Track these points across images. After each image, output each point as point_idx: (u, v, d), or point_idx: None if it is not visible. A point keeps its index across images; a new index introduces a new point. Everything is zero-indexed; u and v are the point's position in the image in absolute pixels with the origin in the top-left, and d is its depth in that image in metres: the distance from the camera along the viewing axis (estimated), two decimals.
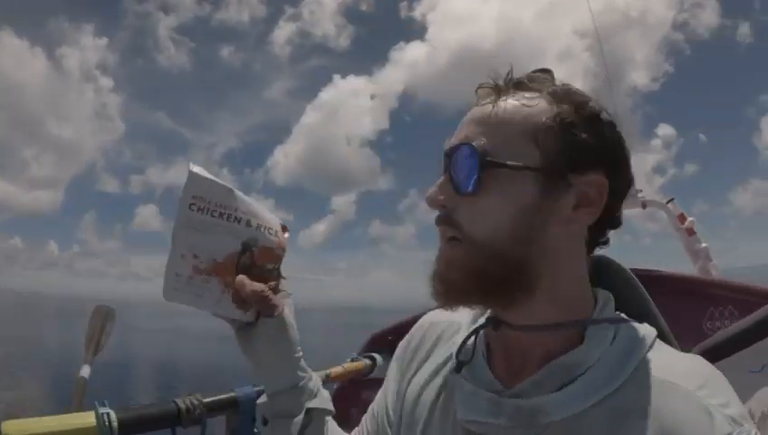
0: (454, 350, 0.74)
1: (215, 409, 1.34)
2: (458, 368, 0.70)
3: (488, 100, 0.66)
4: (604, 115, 0.65)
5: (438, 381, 0.75)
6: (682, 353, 0.66)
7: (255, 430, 1.41)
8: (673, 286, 3.15)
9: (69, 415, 1.14)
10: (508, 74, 0.68)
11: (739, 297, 2.97)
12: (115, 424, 1.06)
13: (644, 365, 0.61)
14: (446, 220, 0.65)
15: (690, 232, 3.81)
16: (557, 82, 0.67)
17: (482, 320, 0.73)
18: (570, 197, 0.63)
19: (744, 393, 1.05)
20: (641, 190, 3.81)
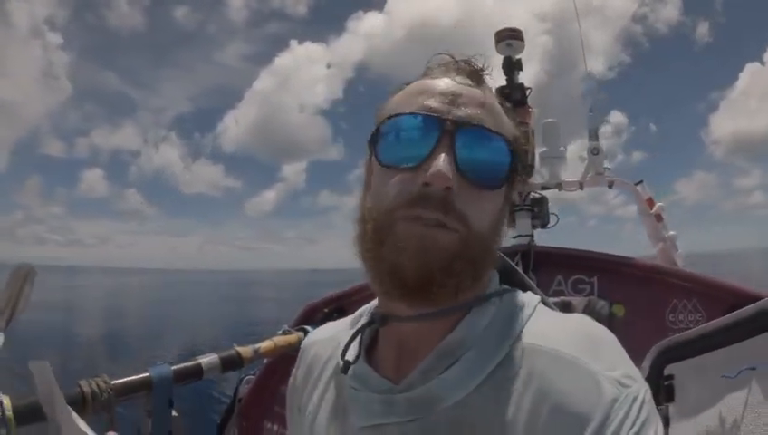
0: (339, 353, 0.71)
1: (126, 392, 1.25)
2: (344, 368, 0.67)
3: (469, 81, 0.65)
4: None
5: (330, 395, 0.73)
6: (564, 316, 0.66)
7: (174, 413, 1.38)
8: (638, 274, 2.94)
9: None
10: (484, 63, 0.67)
11: (704, 291, 2.80)
12: (9, 413, 0.97)
13: (527, 335, 0.60)
14: (448, 207, 0.58)
15: (658, 218, 3.56)
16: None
17: (363, 320, 0.73)
18: (511, 197, 0.67)
19: (716, 397, 1.02)
20: (609, 168, 3.52)
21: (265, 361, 2.69)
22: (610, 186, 3.55)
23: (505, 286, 0.68)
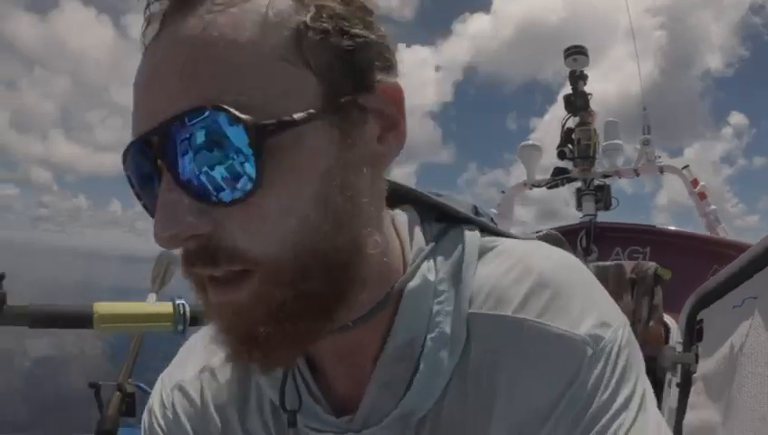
0: (266, 407, 0.53)
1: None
2: (292, 421, 0.50)
3: (173, 17, 0.39)
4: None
5: None
6: (516, 252, 0.50)
7: None
8: (684, 243, 3.64)
9: (151, 304, 1.35)
10: None
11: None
12: (188, 314, 1.26)
13: (477, 302, 0.47)
14: (212, 254, 0.39)
15: (702, 196, 4.27)
16: None
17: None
18: (369, 127, 0.43)
19: (730, 328, 1.09)
20: (660, 157, 4.26)
21: None
22: (662, 171, 4.29)
23: (433, 233, 0.51)
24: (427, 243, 0.50)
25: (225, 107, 0.36)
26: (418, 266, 0.48)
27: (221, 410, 0.54)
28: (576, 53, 4.01)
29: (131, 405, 1.71)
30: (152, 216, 0.40)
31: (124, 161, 0.42)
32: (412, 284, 0.47)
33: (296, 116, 0.38)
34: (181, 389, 0.56)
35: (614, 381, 0.44)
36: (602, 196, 4.08)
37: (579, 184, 4.23)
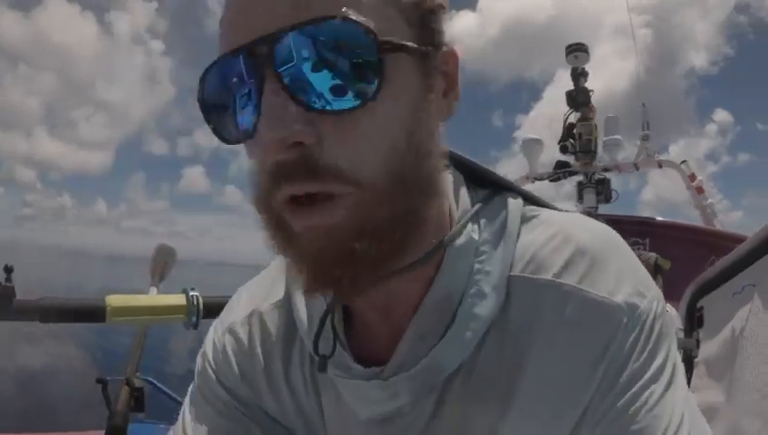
0: (303, 332, 0.55)
1: None
2: (322, 366, 0.51)
3: None
4: None
5: (319, 382, 0.56)
6: (557, 221, 0.51)
7: None
8: (681, 234, 3.76)
9: (165, 295, 1.30)
10: None
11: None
12: (201, 306, 1.22)
13: (518, 264, 0.49)
14: (312, 168, 0.39)
15: (699, 190, 4.38)
16: None
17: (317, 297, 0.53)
18: (438, 81, 0.46)
19: (730, 314, 1.13)
20: (658, 152, 4.40)
21: None
22: (660, 166, 4.42)
23: (480, 198, 0.53)
24: (472, 205, 0.52)
25: (356, 18, 0.38)
26: (464, 226, 0.50)
27: (267, 357, 0.57)
28: (577, 50, 4.13)
29: (140, 400, 1.63)
30: (225, 139, 0.44)
31: (202, 81, 0.43)
32: (458, 241, 0.49)
33: (405, 43, 0.41)
34: (232, 331, 0.59)
35: (648, 349, 0.45)
36: (603, 189, 4.21)
37: (580, 177, 4.35)
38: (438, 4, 0.45)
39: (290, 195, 0.41)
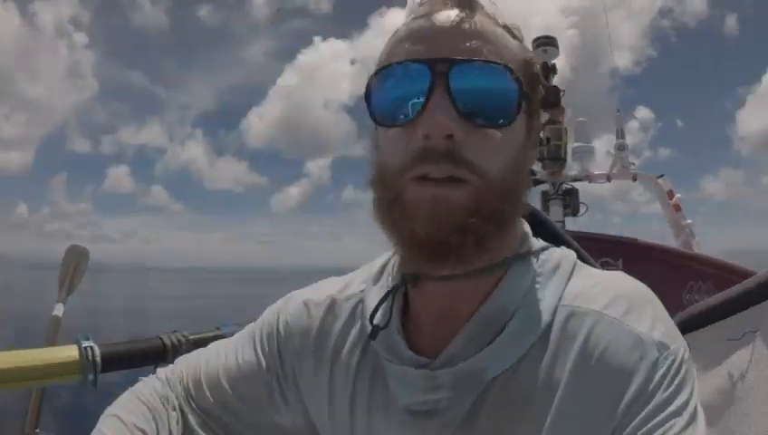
0: (366, 319, 0.62)
1: (201, 345, 1.15)
2: (373, 334, 0.60)
3: (457, 12, 0.55)
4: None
5: (365, 367, 0.63)
6: (603, 274, 0.61)
7: None
8: (657, 256, 3.31)
9: (52, 348, 1.10)
10: None
11: (719, 274, 3.14)
12: (98, 359, 1.02)
13: (568, 296, 0.57)
14: (455, 157, 0.51)
15: (677, 208, 3.94)
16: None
17: (389, 279, 0.64)
18: (534, 136, 0.60)
19: (723, 358, 1.09)
20: (634, 163, 3.91)
21: None
22: (635, 179, 3.93)
23: (542, 243, 0.63)
24: (534, 246, 0.62)
25: (513, 69, 0.54)
26: (527, 255, 0.60)
27: (323, 337, 0.67)
28: (546, 43, 3.62)
29: None
30: (382, 120, 0.56)
31: (378, 74, 0.57)
32: (520, 265, 0.59)
33: (532, 98, 0.57)
34: (306, 305, 0.70)
35: (674, 386, 0.51)
36: (570, 200, 3.68)
37: (546, 187, 3.82)
38: (542, 84, 0.59)
39: (425, 173, 0.52)
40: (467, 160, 0.52)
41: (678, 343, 0.54)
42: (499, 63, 0.53)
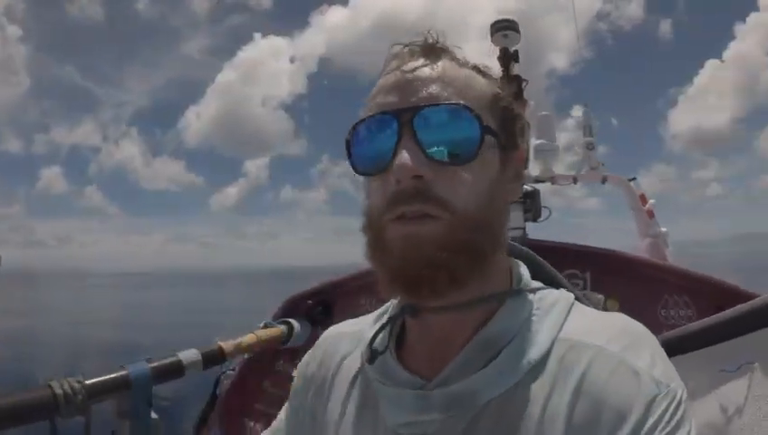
0: (364, 346, 0.70)
1: (102, 392, 1.14)
2: (371, 358, 0.66)
3: (423, 60, 0.62)
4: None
5: (357, 393, 0.70)
6: (602, 314, 0.65)
7: (153, 414, 1.29)
8: (630, 269, 2.94)
9: None
10: (436, 37, 0.65)
11: (694, 287, 2.81)
12: None
13: (567, 330, 0.60)
14: (425, 195, 0.57)
15: (650, 214, 3.57)
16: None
17: (388, 312, 0.72)
18: (511, 169, 0.64)
19: (714, 390, 1.05)
20: (603, 163, 3.52)
21: (247, 356, 2.55)
22: (604, 181, 3.55)
23: (539, 284, 0.67)
24: (531, 285, 0.66)
25: (472, 109, 0.59)
26: (523, 290, 0.64)
27: (338, 355, 0.75)
28: (506, 27, 3.19)
29: None
30: (361, 170, 0.63)
31: (355, 128, 0.63)
32: (517, 298, 0.63)
33: (495, 130, 0.61)
34: (340, 335, 0.78)
35: (672, 425, 0.51)
36: (532, 204, 3.25)
37: None
38: (518, 116, 0.64)
39: (401, 213, 0.57)
40: (437, 197, 0.56)
41: (677, 383, 0.55)
42: (458, 104, 0.59)
